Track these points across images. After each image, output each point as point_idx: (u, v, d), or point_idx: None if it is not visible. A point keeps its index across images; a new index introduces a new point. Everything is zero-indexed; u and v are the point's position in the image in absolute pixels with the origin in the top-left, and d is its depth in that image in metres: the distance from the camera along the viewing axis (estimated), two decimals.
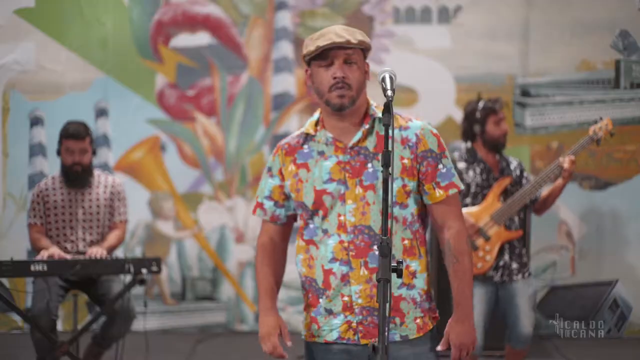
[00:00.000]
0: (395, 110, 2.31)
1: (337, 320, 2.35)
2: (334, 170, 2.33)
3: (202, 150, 6.23)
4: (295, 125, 6.23)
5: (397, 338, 2.33)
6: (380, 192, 2.24)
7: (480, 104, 4.34)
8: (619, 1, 6.12)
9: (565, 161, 4.13)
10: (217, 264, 6.23)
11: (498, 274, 4.20)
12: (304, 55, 2.42)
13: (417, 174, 2.33)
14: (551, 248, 6.09)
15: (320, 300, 2.36)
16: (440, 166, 2.33)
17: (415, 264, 2.34)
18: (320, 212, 2.33)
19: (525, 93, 6.11)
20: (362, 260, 2.29)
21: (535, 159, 6.04)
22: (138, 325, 4.76)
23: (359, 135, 2.33)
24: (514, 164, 4.34)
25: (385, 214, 2.03)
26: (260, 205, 2.47)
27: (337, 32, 2.30)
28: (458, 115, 5.99)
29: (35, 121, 6.14)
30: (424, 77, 5.91)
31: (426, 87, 6.00)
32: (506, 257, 4.22)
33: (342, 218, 2.31)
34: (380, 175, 2.23)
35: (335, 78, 2.30)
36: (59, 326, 5.95)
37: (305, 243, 2.38)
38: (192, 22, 6.22)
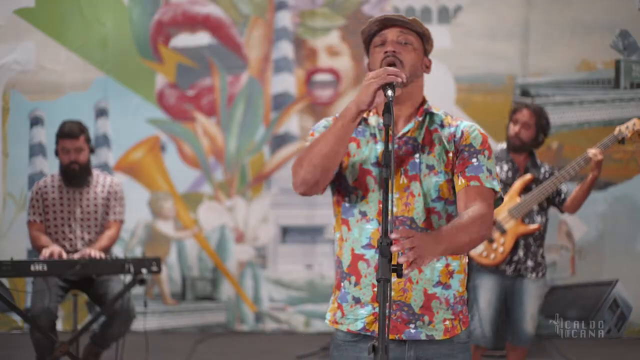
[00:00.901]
0: (447, 111, 2.34)
1: (364, 311, 2.26)
2: (381, 156, 2.26)
3: (202, 150, 6.23)
4: (295, 125, 6.23)
5: (423, 337, 2.24)
6: (425, 184, 2.22)
7: (515, 104, 4.40)
8: (619, 1, 6.12)
9: (596, 153, 4.13)
10: (217, 264, 6.23)
11: (511, 269, 4.20)
12: (363, 40, 2.34)
13: (454, 169, 2.28)
14: (551, 248, 6.08)
15: (343, 284, 2.29)
16: (474, 160, 2.26)
17: (455, 264, 2.27)
18: (360, 192, 2.26)
19: (525, 93, 6.11)
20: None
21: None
22: (138, 325, 4.76)
23: (410, 125, 2.29)
24: (544, 168, 4.35)
25: (385, 213, 2.00)
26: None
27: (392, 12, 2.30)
28: (458, 115, 6.00)
29: (35, 121, 6.14)
30: (424, 77, 5.90)
31: (426, 87, 5.96)
32: (520, 253, 4.22)
33: (381, 205, 2.19)
34: (423, 168, 2.21)
35: (385, 52, 2.25)
36: (59, 326, 5.96)
37: (341, 222, 2.30)
38: (192, 22, 6.22)
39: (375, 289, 2.22)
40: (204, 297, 6.23)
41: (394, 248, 1.95)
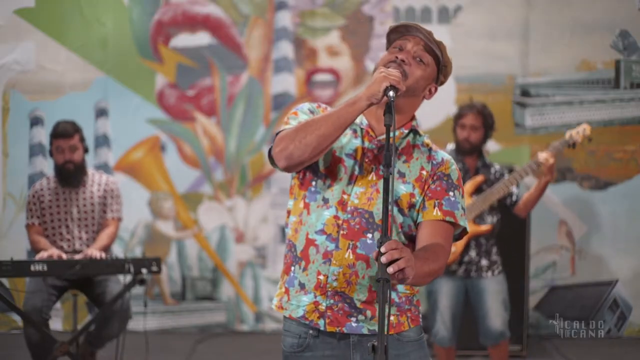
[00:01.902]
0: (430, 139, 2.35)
1: (306, 298, 2.25)
2: (358, 150, 2.28)
3: (202, 150, 6.23)
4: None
5: (365, 331, 2.24)
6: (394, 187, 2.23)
7: (460, 107, 4.46)
8: (619, 1, 6.12)
9: (547, 157, 4.18)
10: (217, 264, 6.23)
11: (462, 269, 4.29)
12: (387, 33, 2.33)
13: (425, 190, 2.27)
14: (551, 248, 6.09)
15: (293, 268, 2.28)
16: (451, 193, 2.27)
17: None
18: (328, 180, 2.26)
19: (525, 93, 6.11)
20: (351, 242, 2.20)
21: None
22: (138, 325, 4.76)
23: (394, 133, 2.28)
24: (495, 168, 4.41)
25: (386, 213, 2.00)
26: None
27: (421, 25, 2.27)
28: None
29: (35, 121, 6.14)
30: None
31: None
32: (472, 253, 4.29)
33: (345, 196, 2.23)
34: (394, 173, 2.20)
35: (396, 57, 2.23)
36: (59, 326, 5.97)
37: (303, 206, 2.28)
38: (192, 22, 6.22)
39: (320, 277, 2.21)
40: (204, 297, 6.23)
41: (383, 259, 1.93)
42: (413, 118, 2.36)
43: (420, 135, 2.35)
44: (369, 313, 2.23)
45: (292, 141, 2.17)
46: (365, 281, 2.21)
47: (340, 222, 2.22)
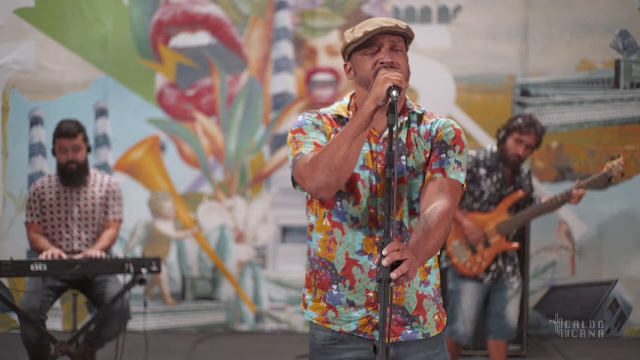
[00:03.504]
0: (424, 107, 2.34)
1: (358, 314, 2.29)
2: (367, 158, 2.27)
3: (202, 150, 6.23)
4: None
5: (420, 337, 2.30)
6: (409, 187, 2.25)
7: (521, 119, 4.37)
8: (619, 1, 6.12)
9: (578, 194, 4.28)
10: (217, 264, 6.23)
11: (488, 278, 4.39)
12: (348, 45, 2.30)
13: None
14: (551, 248, 6.09)
15: (337, 286, 2.30)
16: (443, 155, 2.26)
17: (431, 260, 2.31)
18: (352, 198, 2.25)
19: (525, 93, 6.11)
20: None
21: (536, 159, 6.04)
22: (138, 325, 4.76)
23: (397, 136, 2.28)
24: (524, 172, 4.49)
25: (388, 214, 2.01)
26: (315, 145, 2.26)
27: (383, 19, 2.25)
28: (458, 115, 6.01)
29: (35, 121, 6.14)
30: (424, 77, 5.90)
31: (426, 87, 6.00)
32: (500, 262, 4.41)
33: (372, 211, 2.25)
34: (408, 171, 2.23)
35: (382, 63, 2.22)
36: (59, 326, 5.98)
37: (331, 224, 2.28)
38: (192, 22, 6.22)
39: (370, 294, 2.26)
40: (204, 297, 6.23)
41: (385, 262, 1.95)
42: (405, 100, 2.35)
43: (414, 113, 2.34)
44: (421, 319, 2.31)
45: (321, 171, 2.12)
46: (412, 289, 2.28)
47: (377, 239, 2.25)
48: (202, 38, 6.23)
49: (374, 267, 2.24)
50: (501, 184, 4.35)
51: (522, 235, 5.23)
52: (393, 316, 2.26)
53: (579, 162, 6.09)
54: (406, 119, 2.31)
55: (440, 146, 2.28)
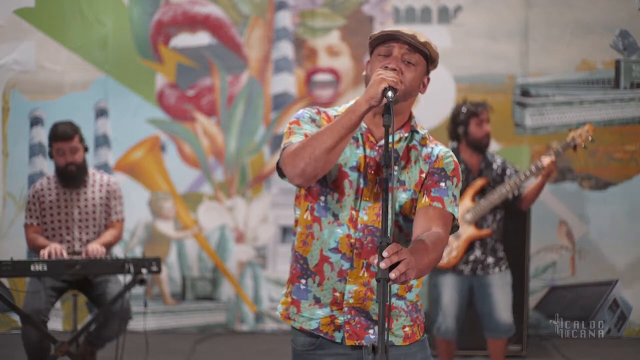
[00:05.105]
0: (426, 131, 2.36)
1: (321, 312, 2.29)
2: (360, 161, 2.27)
3: (202, 150, 6.23)
4: None
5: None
6: (396, 197, 2.25)
7: (464, 107, 4.51)
8: (619, 1, 6.12)
9: (547, 161, 4.28)
10: (217, 264, 6.23)
11: (469, 268, 4.39)
12: (369, 40, 2.32)
13: (421, 188, 2.29)
14: (551, 248, 6.09)
15: (304, 281, 2.30)
16: (442, 184, 2.28)
17: (415, 280, 2.30)
18: (336, 195, 2.26)
19: (525, 93, 6.11)
20: (365, 261, 2.24)
21: (536, 159, 6.03)
22: (138, 325, 4.76)
23: (393, 136, 2.26)
24: (497, 163, 4.52)
25: (385, 214, 2.00)
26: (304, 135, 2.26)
27: (407, 28, 2.26)
28: None
29: (35, 121, 6.14)
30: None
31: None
32: (477, 252, 4.40)
33: (353, 213, 2.25)
34: (396, 182, 2.23)
35: (386, 67, 2.21)
36: (59, 326, 5.98)
37: (311, 219, 2.28)
38: (192, 22, 6.22)
39: (336, 294, 2.26)
40: (204, 297, 6.23)
41: (383, 265, 1.94)
42: (411, 116, 2.36)
43: (417, 133, 2.35)
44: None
45: (301, 158, 2.14)
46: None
47: (353, 241, 2.25)
48: (202, 38, 6.23)
49: (345, 267, 2.25)
50: (465, 173, 4.39)
51: (522, 235, 5.23)
52: (357, 319, 2.26)
53: (579, 162, 6.09)
54: (407, 134, 2.31)
55: (440, 173, 2.29)
